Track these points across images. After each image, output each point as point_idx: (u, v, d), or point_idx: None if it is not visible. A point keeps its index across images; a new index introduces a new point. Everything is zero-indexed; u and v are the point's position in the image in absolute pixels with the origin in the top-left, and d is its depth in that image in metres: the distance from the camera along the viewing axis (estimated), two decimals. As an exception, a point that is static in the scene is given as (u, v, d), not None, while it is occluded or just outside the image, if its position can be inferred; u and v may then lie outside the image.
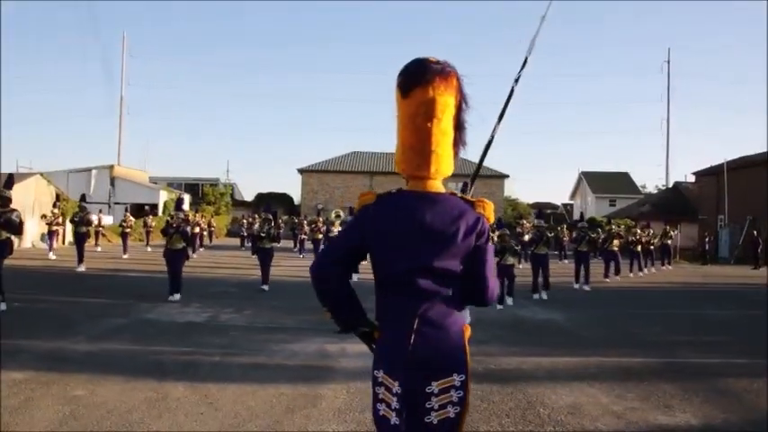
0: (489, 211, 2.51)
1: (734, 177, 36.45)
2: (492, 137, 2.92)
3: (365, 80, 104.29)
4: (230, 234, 43.38)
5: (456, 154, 2.54)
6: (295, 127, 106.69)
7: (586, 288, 15.61)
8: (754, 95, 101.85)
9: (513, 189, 74.68)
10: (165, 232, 11.94)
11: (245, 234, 29.79)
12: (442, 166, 2.44)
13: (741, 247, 34.20)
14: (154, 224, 27.54)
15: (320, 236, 22.05)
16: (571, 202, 66.13)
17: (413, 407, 2.36)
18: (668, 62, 51.83)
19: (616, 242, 17.89)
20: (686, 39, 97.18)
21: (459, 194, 2.51)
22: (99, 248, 25.04)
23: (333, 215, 26.31)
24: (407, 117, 2.40)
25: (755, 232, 30.08)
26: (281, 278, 15.59)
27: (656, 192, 59.11)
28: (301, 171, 52.03)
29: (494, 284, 2.50)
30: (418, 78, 2.35)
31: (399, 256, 2.36)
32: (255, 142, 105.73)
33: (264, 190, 56.36)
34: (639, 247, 19.91)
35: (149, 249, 25.20)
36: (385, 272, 2.42)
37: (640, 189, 63.08)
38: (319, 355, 7.39)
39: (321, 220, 23.05)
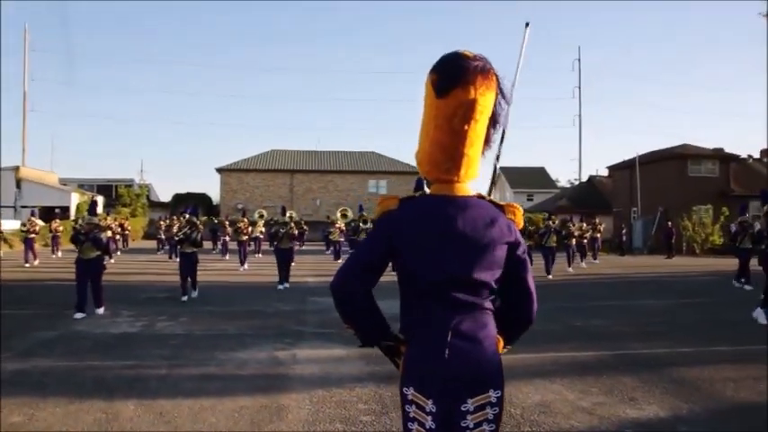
0: (519, 217, 2.36)
1: (645, 171, 38.06)
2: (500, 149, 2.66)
3: (284, 77, 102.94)
4: (147, 237, 41.85)
5: (483, 153, 2.35)
6: (212, 125, 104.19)
7: None
8: (661, 92, 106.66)
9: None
10: (74, 240, 10.53)
11: (163, 237, 28.73)
12: (472, 169, 2.27)
13: (654, 237, 35.73)
14: (61, 228, 25.97)
15: (245, 237, 21.47)
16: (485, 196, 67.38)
17: (447, 426, 2.18)
18: (579, 60, 53.59)
19: (554, 237, 18.13)
20: (596, 37, 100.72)
21: (488, 198, 2.33)
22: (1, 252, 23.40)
23: (256, 215, 25.63)
24: (443, 118, 2.18)
25: (670, 223, 31.41)
26: (210, 282, 15.05)
27: (569, 186, 61.08)
28: (220, 170, 50.83)
29: (535, 298, 2.36)
30: (458, 78, 2.13)
31: (430, 266, 2.17)
32: (171, 141, 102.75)
33: (182, 190, 54.71)
34: (574, 241, 20.31)
35: (56, 256, 23.89)
36: (414, 282, 2.22)
37: (555, 183, 65.07)
38: (271, 363, 7.05)
39: (245, 220, 22.42)
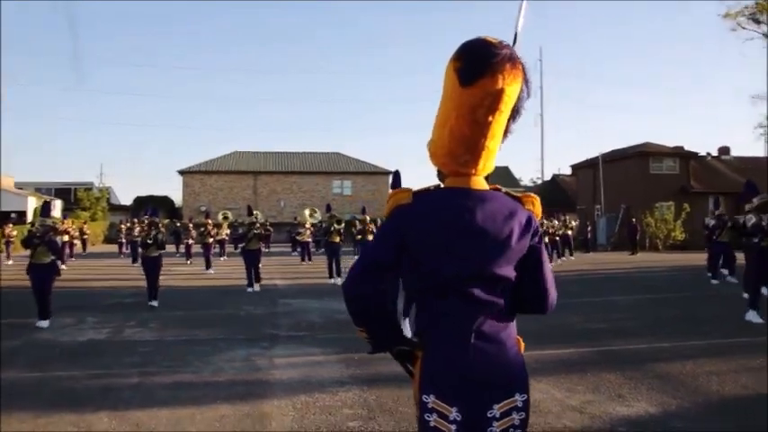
0: (538, 207, 2.22)
1: (608, 169, 38.59)
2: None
3: (247, 78, 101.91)
4: (108, 241, 40.95)
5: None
6: (173, 127, 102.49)
7: None
8: (622, 93, 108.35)
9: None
10: (27, 243, 9.76)
11: (124, 240, 28.07)
12: (490, 162, 2.14)
13: (618, 234, 36.24)
14: (15, 233, 25.07)
15: (210, 240, 21.08)
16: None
17: None
18: (540, 60, 54.05)
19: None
20: (557, 38, 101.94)
21: (504, 190, 2.19)
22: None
23: (220, 217, 25.21)
24: (466, 108, 2.02)
25: (634, 220, 31.88)
26: (177, 287, 14.72)
27: (532, 185, 61.62)
28: (182, 173, 50.04)
29: (554, 290, 2.24)
30: (486, 66, 1.97)
31: (449, 263, 2.03)
32: (132, 144, 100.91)
33: (143, 193, 53.65)
34: (547, 239, 20.36)
35: (10, 262, 23.00)
36: (432, 280, 2.07)
37: (519, 182, 65.55)
38: (248, 368, 6.82)
39: (210, 222, 22.03)
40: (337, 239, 15.71)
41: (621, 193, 37.16)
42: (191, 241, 25.20)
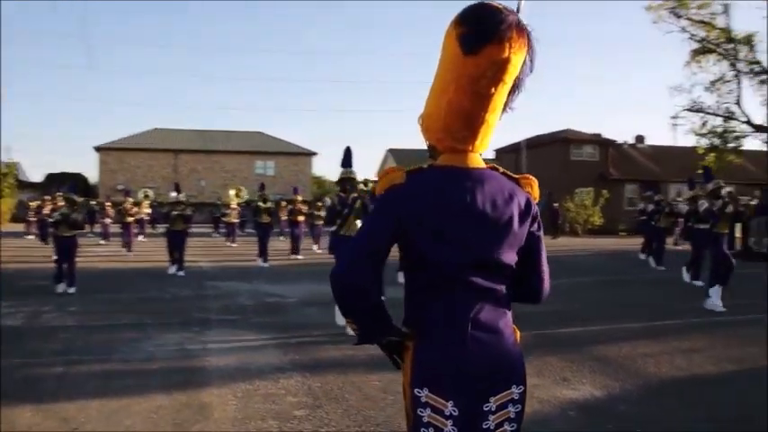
0: (536, 190, 2.08)
1: (531, 155, 39.38)
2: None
3: (168, 51, 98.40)
4: (16, 219, 38.80)
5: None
6: (88, 101, 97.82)
7: None
8: (546, 80, 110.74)
9: (320, 166, 75.05)
10: None
11: (35, 219, 26.63)
12: (488, 138, 1.99)
13: (542, 218, 37.09)
14: None
15: (131, 219, 20.23)
16: (375, 178, 67.66)
17: (468, 430, 1.90)
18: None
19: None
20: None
21: (502, 170, 2.05)
22: None
23: (141, 195, 24.24)
24: (468, 79, 1.86)
25: (556, 205, 32.68)
26: (96, 269, 14.07)
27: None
28: (98, 149, 48.01)
29: (548, 278, 2.13)
30: (492, 33, 1.80)
31: (447, 248, 1.88)
32: (42, 118, 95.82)
33: (55, 170, 51.08)
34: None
35: None
36: (429, 267, 1.91)
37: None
38: (181, 355, 6.49)
39: (130, 201, 21.13)
40: (267, 220, 15.30)
41: (544, 179, 37.10)
42: (108, 220, 24.14)
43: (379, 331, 2.00)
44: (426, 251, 1.89)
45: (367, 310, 1.95)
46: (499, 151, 46.73)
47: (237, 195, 21.87)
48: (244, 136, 53.02)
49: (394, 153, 61.20)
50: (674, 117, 41.92)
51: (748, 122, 21.20)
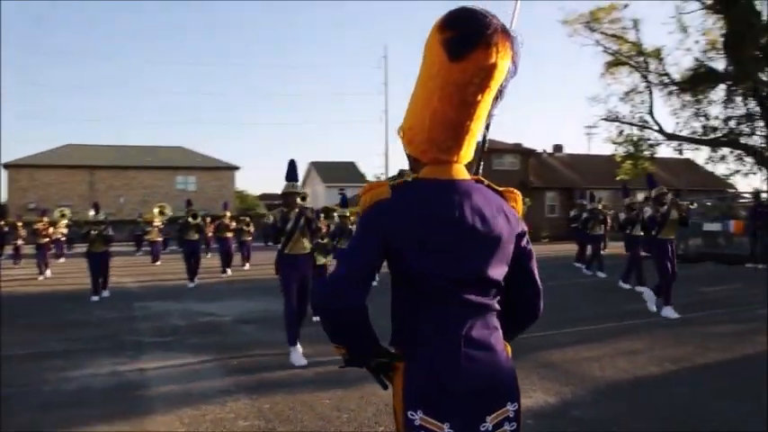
0: (520, 205, 2.06)
1: (453, 164, 39.97)
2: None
3: (79, 64, 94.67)
4: None
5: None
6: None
7: None
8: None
9: (243, 181, 73.83)
10: None
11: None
12: (471, 147, 1.94)
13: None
14: None
15: (46, 240, 19.24)
16: (302, 192, 67.23)
17: None
18: (385, 57, 55.17)
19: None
20: (402, 36, 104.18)
21: (487, 182, 2.00)
22: None
23: (57, 214, 23.12)
24: (454, 87, 1.79)
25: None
26: (9, 292, 13.31)
27: (374, 179, 62.60)
28: (7, 166, 45.65)
29: (542, 292, 2.09)
30: (479, 37, 1.74)
31: (437, 263, 1.82)
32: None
33: (-43, 190, 48.37)
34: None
35: None
36: (419, 284, 1.85)
37: (365, 178, 66.41)
38: (119, 382, 6.15)
39: (45, 220, 20.12)
40: (195, 237, 14.81)
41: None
42: (20, 242, 22.93)
43: (369, 353, 1.91)
44: (415, 267, 1.83)
45: (358, 333, 1.86)
46: (422, 162, 47.31)
47: (161, 212, 21.10)
48: (163, 151, 51.59)
49: (316, 166, 61.07)
50: (589, 126, 43.68)
51: (660, 131, 22.22)
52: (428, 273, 1.82)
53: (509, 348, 1.98)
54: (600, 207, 15.30)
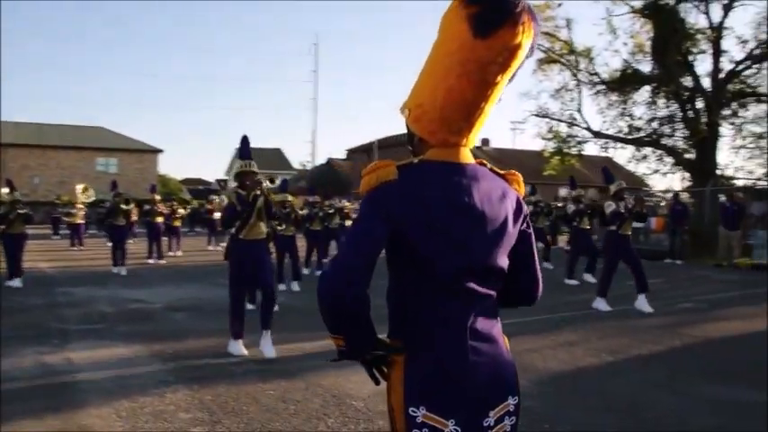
0: (523, 188, 1.99)
1: (383, 155, 39.99)
2: None
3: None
4: None
5: None
6: None
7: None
8: (394, 81, 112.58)
9: (166, 165, 71.79)
10: None
11: None
12: (479, 131, 1.87)
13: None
14: None
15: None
16: (226, 177, 65.95)
17: None
18: (316, 45, 54.60)
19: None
20: (332, 24, 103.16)
21: (489, 165, 1.92)
22: None
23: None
24: (476, 64, 1.71)
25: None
26: None
27: (302, 168, 62.20)
28: None
29: (540, 278, 2.04)
30: (507, 14, 1.66)
31: (446, 251, 1.74)
32: None
33: None
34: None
35: None
36: (424, 271, 1.76)
37: (291, 165, 65.70)
38: (46, 372, 5.80)
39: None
40: (123, 222, 14.19)
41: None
42: None
43: (369, 345, 1.80)
44: (422, 255, 1.73)
45: (360, 323, 1.76)
46: (351, 151, 47.19)
47: (85, 193, 20.03)
48: (82, 131, 49.38)
49: (244, 152, 59.95)
50: (516, 121, 44.55)
51: (588, 129, 22.87)
52: (435, 260, 1.73)
53: (507, 341, 1.92)
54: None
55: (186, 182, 61.81)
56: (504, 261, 1.84)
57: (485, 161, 1.94)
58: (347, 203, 18.39)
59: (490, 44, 1.67)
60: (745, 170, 21.65)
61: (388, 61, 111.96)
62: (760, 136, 20.96)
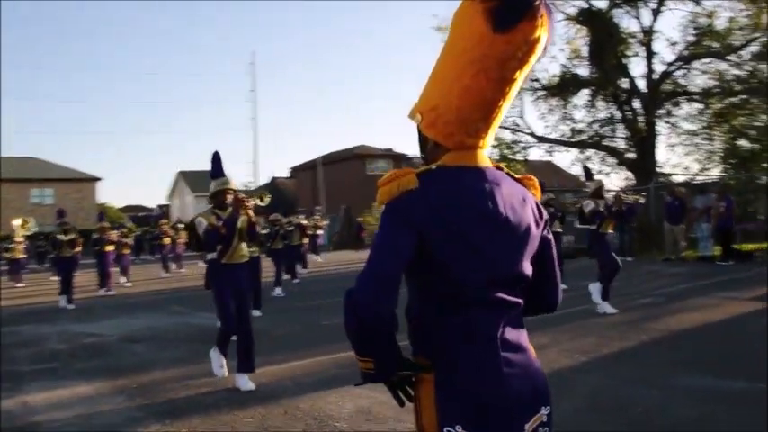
0: (539, 191, 1.93)
1: (328, 171, 39.99)
2: None
3: None
4: None
5: None
6: None
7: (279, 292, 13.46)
8: (334, 97, 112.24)
9: (105, 193, 69.94)
10: None
11: None
12: (494, 132, 1.82)
13: (339, 234, 37.68)
14: None
15: None
16: (168, 203, 64.61)
17: None
18: (253, 64, 54.10)
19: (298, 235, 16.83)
20: (268, 42, 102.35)
21: (506, 169, 1.86)
22: None
23: None
24: (495, 61, 1.65)
25: (360, 219, 33.42)
26: None
27: (245, 188, 61.52)
28: None
29: (560, 285, 1.99)
30: (526, 6, 1.61)
31: (473, 261, 1.68)
32: None
33: None
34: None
35: None
36: (450, 283, 1.69)
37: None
38: (2, 417, 5.45)
39: None
40: (69, 253, 13.61)
41: (341, 194, 38.73)
42: None
43: (394, 365, 1.71)
44: (449, 265, 1.66)
45: (389, 341, 1.67)
46: (295, 169, 46.92)
47: (24, 227, 19.12)
48: (14, 162, 47.63)
49: (185, 176, 59.02)
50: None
51: (532, 134, 23.26)
52: (461, 270, 1.66)
53: (532, 348, 1.85)
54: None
55: (127, 209, 60.26)
56: (529, 268, 1.79)
57: (501, 165, 1.88)
58: (304, 220, 18.15)
59: (510, 38, 1.62)
60: (682, 167, 22.31)
61: (328, 78, 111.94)
62: (694, 133, 21.68)
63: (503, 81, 1.69)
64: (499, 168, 1.84)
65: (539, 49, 1.68)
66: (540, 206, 1.87)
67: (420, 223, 1.64)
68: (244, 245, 6.17)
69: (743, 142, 20.78)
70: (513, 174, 1.88)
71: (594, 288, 9.25)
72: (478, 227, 1.67)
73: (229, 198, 6.09)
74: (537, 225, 1.81)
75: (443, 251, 1.66)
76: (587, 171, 10.21)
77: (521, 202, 1.78)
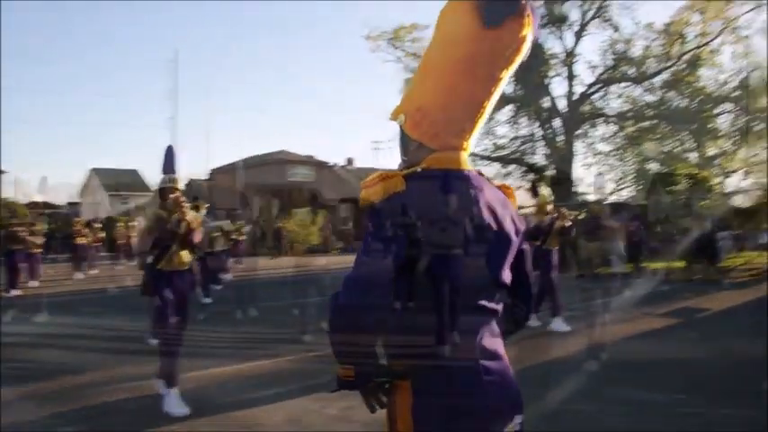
0: (516, 202, 1.91)
1: (249, 174, 39.37)
2: None
3: None
4: None
5: None
6: None
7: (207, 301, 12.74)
8: (269, 99, 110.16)
9: (9, 187, 66.21)
10: None
11: None
12: (476, 134, 1.81)
13: (259, 239, 37.16)
14: None
15: None
16: (79, 200, 61.98)
17: None
18: (176, 62, 52.84)
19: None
20: (193, 39, 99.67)
21: (484, 175, 1.86)
22: None
23: None
24: (483, 57, 1.66)
25: (282, 225, 33.06)
26: None
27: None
28: None
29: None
30: (514, 3, 1.64)
31: (456, 266, 1.66)
32: None
33: None
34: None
35: None
36: (436, 288, 1.65)
37: (149, 187, 62.97)
38: None
39: None
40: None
41: (262, 198, 38.22)
42: None
43: (375, 371, 1.65)
44: (432, 270, 1.62)
45: (371, 349, 1.61)
46: (214, 171, 45.93)
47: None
48: None
49: (99, 173, 56.93)
50: (376, 141, 45.34)
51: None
52: (445, 275, 1.62)
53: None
54: None
55: (33, 205, 57.38)
56: (508, 276, 1.78)
57: (480, 170, 1.87)
58: (226, 224, 17.67)
59: (499, 34, 1.63)
60: (597, 185, 23.25)
61: (252, 79, 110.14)
62: (608, 154, 22.66)
63: (490, 80, 1.69)
64: (480, 174, 1.82)
65: (525, 48, 1.69)
66: (519, 215, 1.86)
67: (406, 226, 1.60)
68: (185, 251, 5.60)
69: (652, 165, 21.85)
70: (492, 181, 1.87)
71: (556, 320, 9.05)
72: (462, 231, 1.65)
73: (171, 197, 5.58)
74: (516, 234, 1.80)
75: (425, 255, 1.62)
76: (534, 188, 10.25)
77: (502, 209, 1.76)
